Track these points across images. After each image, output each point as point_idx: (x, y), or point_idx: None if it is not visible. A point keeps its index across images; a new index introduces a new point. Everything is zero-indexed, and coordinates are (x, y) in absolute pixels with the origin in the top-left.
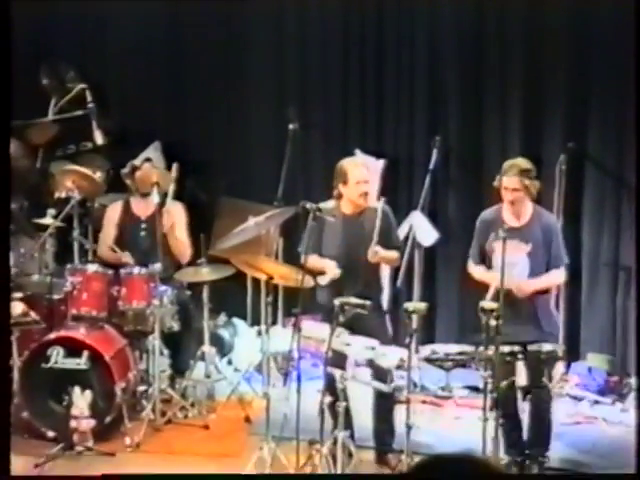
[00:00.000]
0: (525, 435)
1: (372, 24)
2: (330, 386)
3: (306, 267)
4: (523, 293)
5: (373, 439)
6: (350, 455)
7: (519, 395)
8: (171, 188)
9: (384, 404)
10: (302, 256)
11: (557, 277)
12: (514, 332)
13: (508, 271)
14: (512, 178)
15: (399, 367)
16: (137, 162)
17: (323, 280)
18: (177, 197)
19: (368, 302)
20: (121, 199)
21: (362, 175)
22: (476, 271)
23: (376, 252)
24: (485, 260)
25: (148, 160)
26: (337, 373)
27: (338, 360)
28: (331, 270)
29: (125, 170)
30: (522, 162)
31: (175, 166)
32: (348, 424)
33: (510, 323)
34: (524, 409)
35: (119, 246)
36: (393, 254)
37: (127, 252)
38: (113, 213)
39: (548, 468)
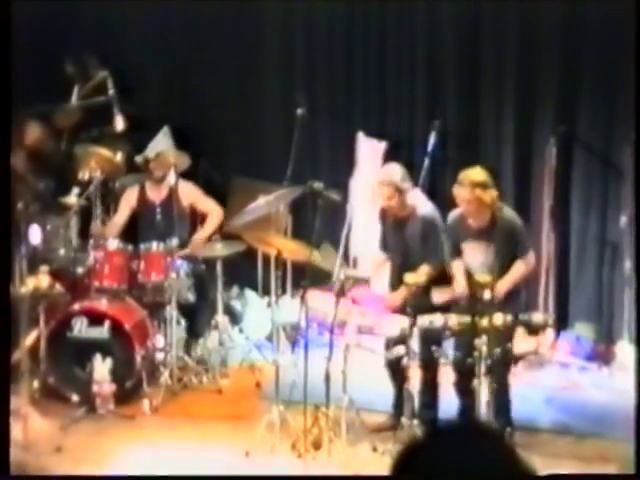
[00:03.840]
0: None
1: (374, 15)
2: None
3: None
4: (500, 294)
5: (393, 408)
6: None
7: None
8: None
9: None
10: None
11: (521, 266)
12: None
13: (480, 271)
14: (464, 189)
15: (400, 336)
16: (150, 154)
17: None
18: (191, 177)
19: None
20: (140, 181)
21: (383, 193)
22: (454, 265)
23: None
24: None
25: (159, 153)
26: (342, 341)
27: (343, 329)
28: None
29: (139, 160)
30: (475, 174)
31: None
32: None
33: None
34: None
35: (136, 230)
36: (423, 273)
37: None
38: (130, 197)
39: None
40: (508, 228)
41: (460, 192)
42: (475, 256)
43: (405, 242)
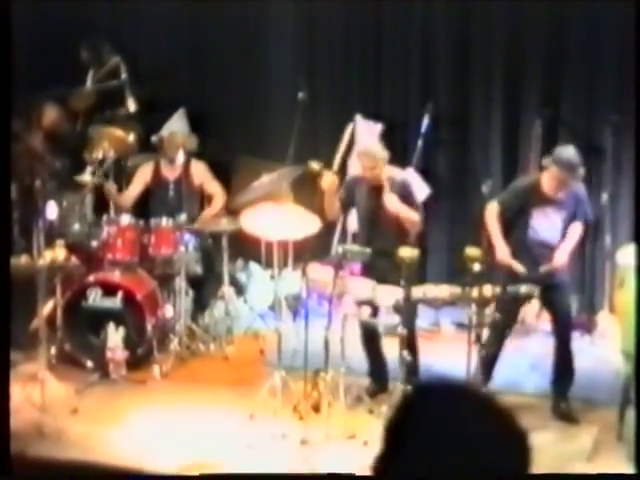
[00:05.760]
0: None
1: (372, 6)
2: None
3: None
4: (562, 264)
5: (369, 375)
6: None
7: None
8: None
9: (373, 339)
10: None
11: (576, 229)
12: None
13: (547, 234)
14: (561, 172)
15: (395, 306)
16: (164, 133)
17: None
18: (200, 157)
19: (368, 250)
20: (152, 160)
21: (363, 163)
22: (491, 211)
23: (392, 202)
24: (510, 212)
25: (173, 133)
26: (340, 311)
27: (341, 300)
28: None
29: (154, 139)
30: (573, 156)
31: None
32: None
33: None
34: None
35: (147, 206)
36: (411, 211)
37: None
38: (144, 173)
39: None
40: (578, 199)
41: (556, 172)
42: (543, 221)
43: (380, 208)
